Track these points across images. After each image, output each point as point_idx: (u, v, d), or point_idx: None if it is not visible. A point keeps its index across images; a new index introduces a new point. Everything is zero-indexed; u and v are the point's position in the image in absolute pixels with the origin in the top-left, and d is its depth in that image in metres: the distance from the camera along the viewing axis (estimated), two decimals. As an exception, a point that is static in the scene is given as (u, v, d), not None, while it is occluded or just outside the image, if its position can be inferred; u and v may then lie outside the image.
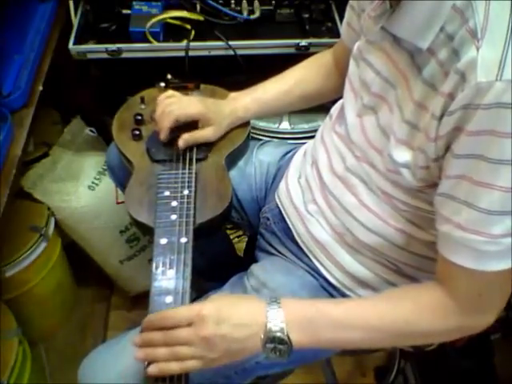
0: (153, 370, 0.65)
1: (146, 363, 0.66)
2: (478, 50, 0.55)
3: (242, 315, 0.67)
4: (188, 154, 0.94)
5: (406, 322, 0.67)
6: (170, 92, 1.00)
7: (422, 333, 0.69)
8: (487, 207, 0.58)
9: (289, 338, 0.65)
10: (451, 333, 0.71)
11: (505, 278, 0.64)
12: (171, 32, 1.22)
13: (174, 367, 0.65)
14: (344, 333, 0.68)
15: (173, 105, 0.94)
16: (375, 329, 0.68)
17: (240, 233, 1.53)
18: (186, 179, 0.89)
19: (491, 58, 0.54)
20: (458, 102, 0.57)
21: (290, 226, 0.92)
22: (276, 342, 0.65)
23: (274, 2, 1.27)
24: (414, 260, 0.78)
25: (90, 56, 1.21)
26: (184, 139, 0.93)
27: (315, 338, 0.68)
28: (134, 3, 1.22)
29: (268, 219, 0.98)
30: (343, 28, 0.94)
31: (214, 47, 1.22)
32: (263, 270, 0.90)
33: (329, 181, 0.84)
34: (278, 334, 0.65)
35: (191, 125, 0.96)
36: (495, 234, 0.59)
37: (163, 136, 0.94)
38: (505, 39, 0.54)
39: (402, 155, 0.68)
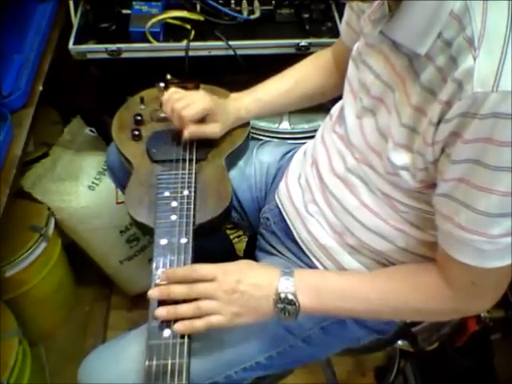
0: (179, 327, 0.69)
1: (147, 359, 0.67)
2: (474, 59, 0.55)
3: (259, 277, 0.73)
4: (188, 155, 0.94)
5: (404, 300, 0.72)
6: (174, 89, 0.99)
7: (419, 311, 0.74)
8: (485, 210, 0.59)
9: (297, 299, 0.71)
10: (446, 314, 0.77)
11: (502, 272, 0.65)
12: (171, 32, 1.22)
13: (200, 324, 0.69)
14: (347, 303, 0.74)
15: (182, 104, 0.93)
16: (375, 303, 0.73)
17: (240, 233, 1.53)
18: (186, 179, 0.89)
19: (487, 69, 0.54)
20: (454, 110, 0.57)
21: (290, 226, 0.92)
22: (285, 303, 0.71)
23: (274, 1, 1.27)
24: (414, 260, 0.78)
25: (89, 56, 1.21)
26: (190, 131, 0.93)
27: (321, 304, 0.73)
28: (134, 3, 1.22)
29: (268, 219, 0.98)
30: (342, 28, 0.94)
31: (214, 47, 1.22)
32: (263, 269, 0.90)
33: (329, 181, 0.84)
34: (288, 295, 0.71)
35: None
36: (494, 234, 0.60)
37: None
38: (501, 49, 0.54)
39: (401, 158, 0.68)
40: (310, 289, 0.72)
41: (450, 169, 0.60)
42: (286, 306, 0.71)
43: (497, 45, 0.54)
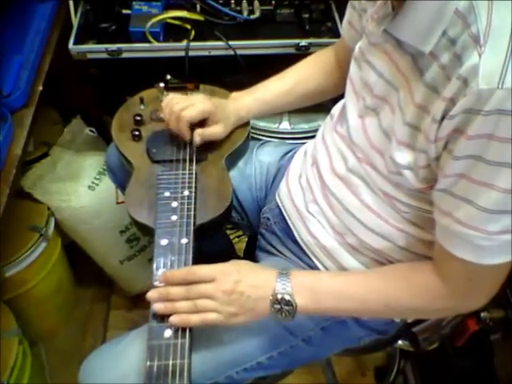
0: (175, 320, 0.69)
1: (148, 360, 0.67)
2: (480, 56, 0.55)
3: (257, 278, 0.74)
4: (188, 155, 0.94)
5: (398, 298, 0.73)
6: (173, 95, 0.99)
7: (413, 309, 0.75)
8: (485, 205, 0.59)
9: (294, 300, 0.72)
10: (440, 312, 0.79)
11: (499, 269, 0.65)
12: (171, 32, 1.22)
13: (195, 319, 0.70)
14: (342, 303, 0.75)
15: (182, 106, 0.93)
16: (370, 302, 0.74)
17: (240, 233, 1.53)
18: (186, 180, 0.89)
19: (493, 66, 0.54)
20: (459, 106, 0.57)
21: (291, 226, 0.92)
22: (282, 304, 0.72)
23: (274, 1, 1.27)
24: (415, 260, 0.78)
25: (89, 56, 1.21)
26: (200, 135, 0.94)
27: (317, 304, 0.74)
28: (134, 3, 1.22)
29: (268, 219, 0.98)
30: (344, 26, 0.94)
31: (213, 47, 1.22)
32: (264, 270, 0.90)
33: (330, 181, 0.84)
34: (285, 296, 0.72)
35: (197, 122, 0.95)
36: (492, 230, 0.61)
37: (188, 137, 0.94)
38: (507, 46, 0.54)
39: (404, 157, 0.68)
40: (307, 290, 0.73)
41: (451, 164, 0.60)
42: (282, 306, 0.72)
43: (503, 42, 0.54)
